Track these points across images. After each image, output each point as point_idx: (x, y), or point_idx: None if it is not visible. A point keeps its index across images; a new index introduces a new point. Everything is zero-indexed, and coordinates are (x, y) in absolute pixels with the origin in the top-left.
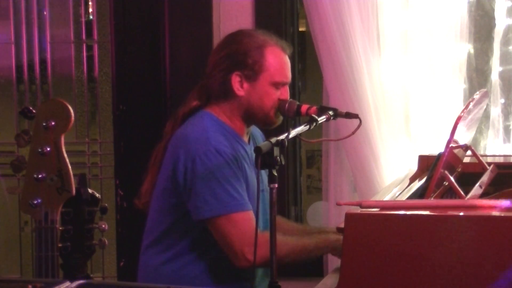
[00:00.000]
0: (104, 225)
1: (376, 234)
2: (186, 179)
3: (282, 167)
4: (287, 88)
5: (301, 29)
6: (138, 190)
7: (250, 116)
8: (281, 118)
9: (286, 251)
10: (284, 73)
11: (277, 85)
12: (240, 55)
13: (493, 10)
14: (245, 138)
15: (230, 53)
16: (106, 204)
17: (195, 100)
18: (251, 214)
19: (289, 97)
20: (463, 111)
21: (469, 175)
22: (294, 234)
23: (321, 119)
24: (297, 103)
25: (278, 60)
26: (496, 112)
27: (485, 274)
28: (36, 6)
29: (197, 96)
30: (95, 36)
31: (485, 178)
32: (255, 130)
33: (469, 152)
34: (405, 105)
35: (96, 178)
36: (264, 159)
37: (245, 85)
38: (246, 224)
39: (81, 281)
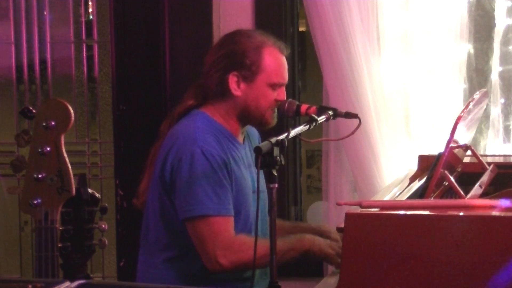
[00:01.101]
0: (104, 225)
1: (376, 234)
2: (172, 179)
3: (282, 167)
4: (283, 89)
5: (301, 29)
6: (136, 190)
7: (246, 116)
8: (276, 119)
9: (259, 254)
10: (281, 74)
11: (274, 86)
12: (238, 55)
13: (493, 10)
14: (239, 139)
15: (228, 53)
16: (106, 204)
17: (191, 99)
18: (229, 219)
19: (285, 98)
20: (463, 111)
21: (469, 175)
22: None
23: (321, 119)
24: (297, 102)
25: (276, 61)
26: (496, 112)
27: (485, 274)
28: (36, 6)
29: (193, 95)
30: (95, 36)
31: (485, 178)
32: (251, 130)
33: (469, 152)
34: (405, 105)
35: (96, 178)
36: (264, 159)
37: (242, 85)
38: (222, 228)
39: (81, 281)
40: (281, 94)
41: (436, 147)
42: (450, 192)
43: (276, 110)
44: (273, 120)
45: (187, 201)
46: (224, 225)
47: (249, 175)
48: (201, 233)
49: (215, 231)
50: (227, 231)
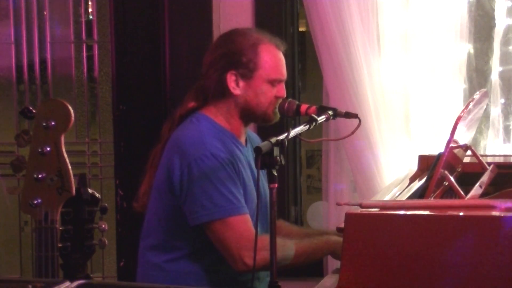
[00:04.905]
0: (104, 225)
1: (376, 234)
2: (181, 183)
3: (282, 167)
4: (283, 85)
5: (301, 29)
6: (136, 193)
7: (248, 114)
8: (278, 115)
9: (286, 255)
10: (279, 70)
11: (273, 82)
12: (234, 54)
13: (493, 10)
14: (242, 140)
15: (224, 52)
16: (106, 204)
17: (192, 101)
18: (247, 217)
19: (285, 94)
20: (463, 111)
21: (469, 175)
22: (295, 237)
23: (321, 118)
24: (297, 102)
25: (273, 57)
26: (496, 112)
27: (485, 274)
28: (36, 6)
29: (194, 97)
30: (95, 36)
31: (485, 178)
32: (252, 134)
33: (469, 152)
34: (405, 105)
35: (96, 178)
36: (264, 159)
37: (241, 83)
38: (242, 228)
39: (81, 281)
40: (281, 90)
41: (436, 147)
42: (450, 192)
43: (277, 107)
44: (276, 116)
45: (203, 206)
46: (245, 224)
47: (252, 176)
48: (223, 236)
49: (237, 232)
50: (248, 230)
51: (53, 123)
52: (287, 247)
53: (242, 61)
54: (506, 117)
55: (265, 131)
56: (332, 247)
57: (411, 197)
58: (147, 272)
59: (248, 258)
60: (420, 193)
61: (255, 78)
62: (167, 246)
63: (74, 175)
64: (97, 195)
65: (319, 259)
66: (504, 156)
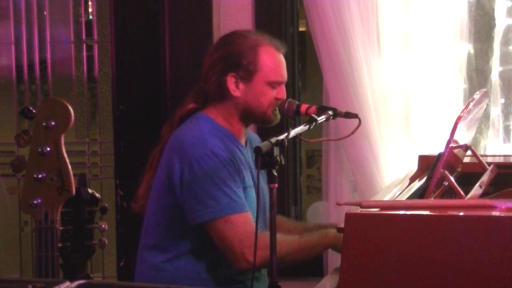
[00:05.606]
0: (104, 225)
1: (376, 234)
2: (182, 183)
3: (282, 167)
4: (283, 87)
5: (301, 29)
6: (135, 194)
7: (248, 116)
8: (279, 116)
9: (287, 251)
10: (279, 72)
11: (273, 84)
12: (234, 56)
13: (493, 10)
14: (242, 141)
15: (224, 54)
16: (106, 204)
17: (192, 103)
18: (249, 215)
19: (285, 96)
20: (463, 111)
21: (469, 175)
22: (294, 233)
23: (321, 118)
24: (297, 102)
25: (273, 59)
26: (496, 112)
27: (485, 274)
28: (36, 6)
29: (193, 99)
30: (95, 36)
31: (485, 178)
32: (252, 136)
33: (469, 152)
34: (405, 105)
35: (96, 178)
36: (264, 159)
37: (241, 85)
38: (245, 226)
39: (81, 281)
40: (281, 92)
41: (436, 147)
42: (450, 192)
43: (277, 108)
44: (276, 117)
45: (205, 204)
46: (246, 222)
47: (251, 177)
48: (225, 234)
49: (239, 230)
50: (250, 228)
51: (53, 123)
52: (288, 244)
53: (242, 63)
54: (506, 117)
55: (265, 131)
56: (332, 241)
57: (411, 197)
58: (144, 272)
59: (250, 256)
60: (420, 193)
61: (255, 80)
62: (165, 246)
63: (74, 175)
64: (97, 195)
65: (319, 253)
66: (504, 156)
